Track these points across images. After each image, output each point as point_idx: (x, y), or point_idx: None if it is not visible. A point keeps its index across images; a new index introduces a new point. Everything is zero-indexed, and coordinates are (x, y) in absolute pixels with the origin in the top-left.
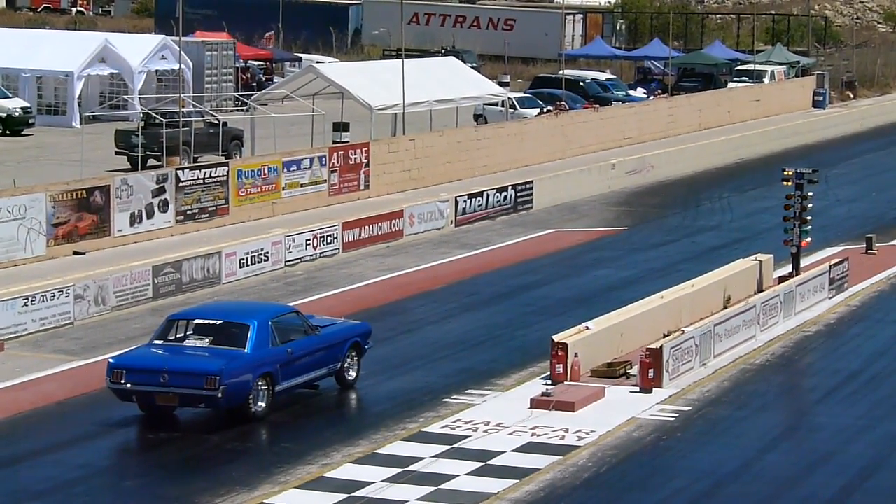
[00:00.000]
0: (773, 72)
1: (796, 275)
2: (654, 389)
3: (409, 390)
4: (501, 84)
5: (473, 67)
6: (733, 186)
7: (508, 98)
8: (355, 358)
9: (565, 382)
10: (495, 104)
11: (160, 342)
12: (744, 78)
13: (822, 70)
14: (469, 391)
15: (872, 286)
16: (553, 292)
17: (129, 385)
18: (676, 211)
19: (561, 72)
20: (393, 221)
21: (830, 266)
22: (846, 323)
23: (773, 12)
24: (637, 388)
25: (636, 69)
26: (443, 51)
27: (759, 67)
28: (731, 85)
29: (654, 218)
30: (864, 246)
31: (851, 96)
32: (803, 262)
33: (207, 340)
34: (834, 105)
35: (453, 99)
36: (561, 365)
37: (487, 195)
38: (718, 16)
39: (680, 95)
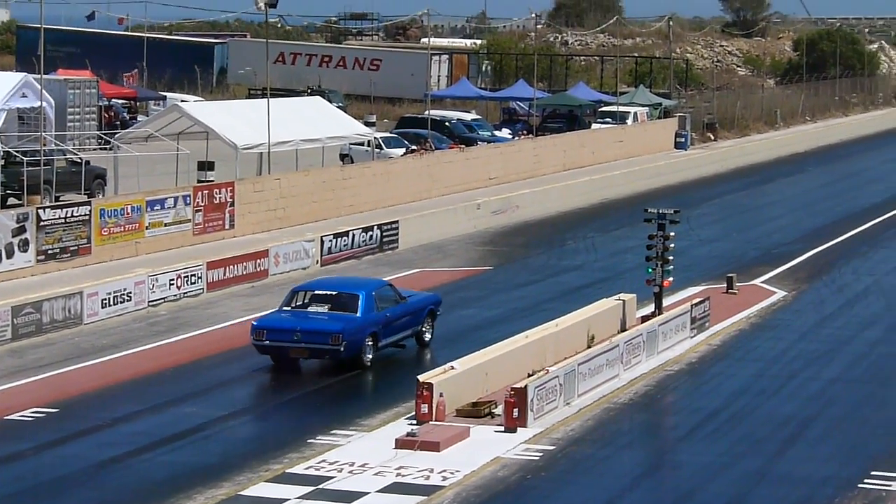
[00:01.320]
0: (635, 113)
1: (659, 314)
2: (518, 429)
3: (274, 430)
4: (367, 124)
5: (339, 107)
6: (597, 226)
7: (374, 138)
8: (431, 323)
9: (430, 422)
10: (361, 144)
11: (288, 308)
12: (607, 119)
13: (684, 112)
14: (334, 432)
15: (733, 325)
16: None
17: (267, 342)
18: (541, 251)
19: (427, 112)
20: (258, 261)
21: (692, 305)
22: (707, 362)
23: (636, 55)
24: (502, 428)
25: (501, 110)
26: (309, 90)
27: (622, 109)
28: (594, 126)
29: (519, 258)
30: (725, 285)
31: (712, 138)
32: (666, 302)
33: (326, 307)
34: (695, 146)
35: (319, 139)
36: (426, 405)
37: (353, 235)
38: (582, 58)
39: (545, 136)
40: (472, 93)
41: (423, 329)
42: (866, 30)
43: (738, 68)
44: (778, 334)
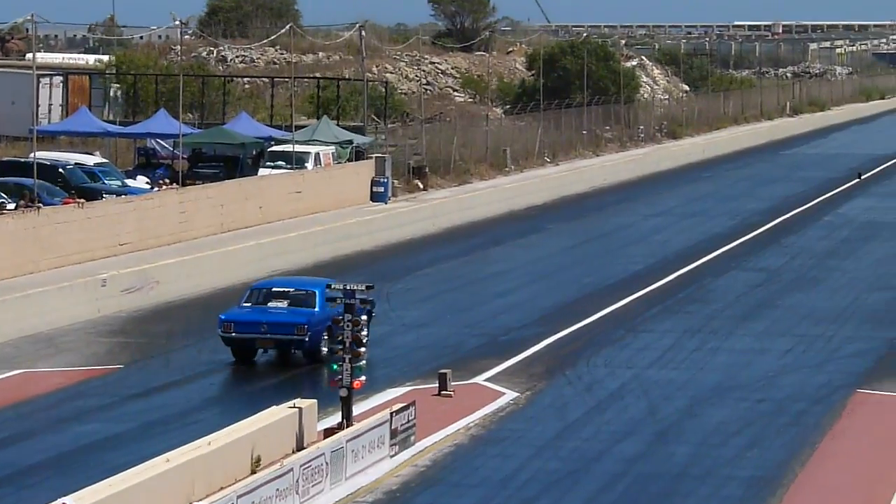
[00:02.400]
0: (318, 154)
1: (348, 426)
2: None
3: None
4: None
5: None
6: None
7: None
8: (366, 320)
9: None
10: None
11: (249, 305)
12: (280, 163)
13: (383, 152)
14: None
15: (447, 439)
16: (21, 456)
17: (234, 334)
18: (190, 342)
19: (33, 154)
20: None
21: (392, 414)
22: (413, 489)
23: (318, 75)
24: None
25: (136, 150)
26: None
27: (300, 149)
28: (262, 172)
29: (161, 352)
30: (437, 385)
31: (421, 186)
32: (356, 410)
33: (286, 302)
34: (399, 198)
35: None
36: None
37: None
38: (246, 80)
39: (195, 186)
40: (95, 127)
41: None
42: (622, 41)
43: (455, 93)
44: (507, 450)
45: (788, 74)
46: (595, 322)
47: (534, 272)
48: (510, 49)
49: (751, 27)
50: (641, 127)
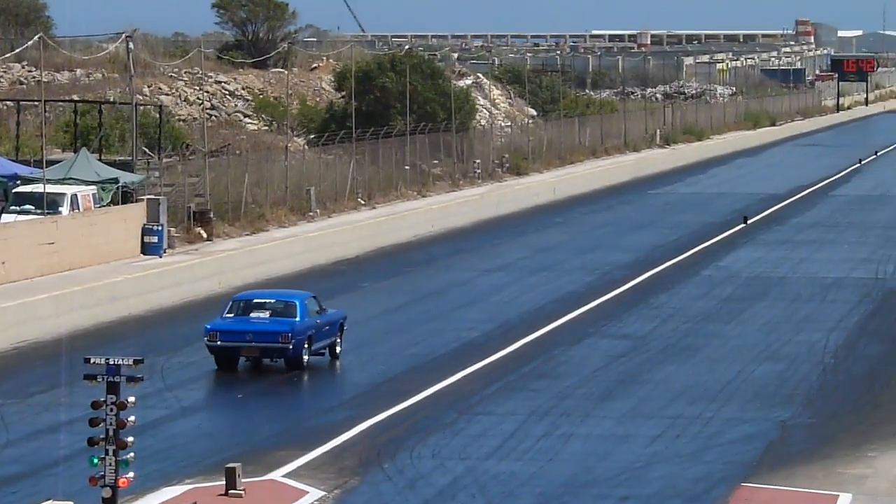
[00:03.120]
0: (75, 196)
1: None
2: None
3: None
4: None
5: None
6: (8, 389)
7: None
8: (340, 336)
9: None
10: None
11: (231, 315)
12: (27, 206)
13: (157, 193)
14: None
15: None
16: None
17: (220, 342)
18: None
19: None
20: None
21: None
22: None
23: (76, 97)
24: None
25: None
26: None
27: (52, 189)
28: (6, 218)
29: None
30: (224, 482)
31: (204, 236)
32: None
33: (268, 313)
34: (178, 250)
35: None
36: None
37: None
38: None
39: None
40: None
41: (337, 340)
42: (455, 55)
43: (247, 119)
44: None
45: (659, 96)
46: (421, 402)
47: (345, 341)
48: (315, 65)
49: (612, 38)
50: (478, 161)
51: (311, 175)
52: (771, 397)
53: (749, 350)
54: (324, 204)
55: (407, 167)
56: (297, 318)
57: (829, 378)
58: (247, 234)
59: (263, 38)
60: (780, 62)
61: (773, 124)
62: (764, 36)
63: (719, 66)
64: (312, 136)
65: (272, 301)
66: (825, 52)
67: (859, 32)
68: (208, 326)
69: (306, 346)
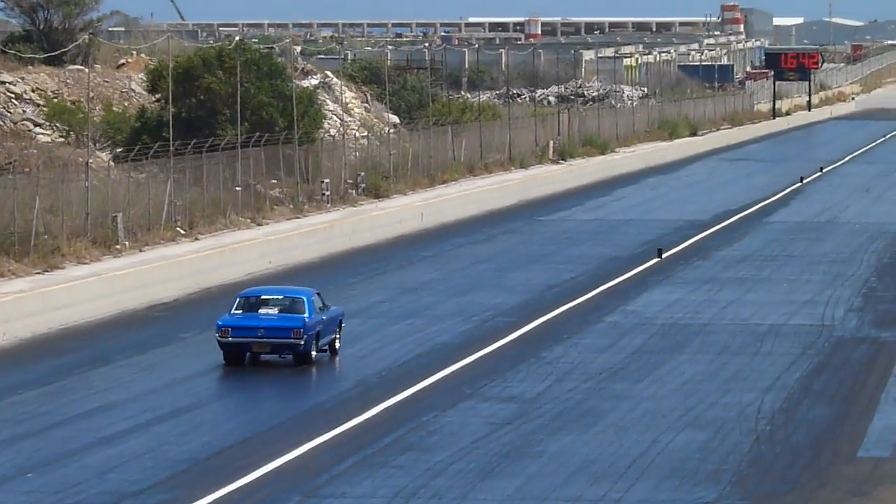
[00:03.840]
0: None
1: None
2: None
3: None
4: None
5: None
6: None
7: None
8: (339, 332)
9: None
10: None
11: (240, 312)
12: None
13: None
14: None
15: None
16: None
17: (231, 338)
18: None
19: None
20: None
21: None
22: None
23: None
24: None
25: None
26: None
27: None
28: None
29: None
30: None
31: None
32: None
33: (276, 309)
34: None
35: None
36: None
37: None
38: None
39: None
40: None
41: (336, 336)
42: (297, 48)
43: (38, 128)
44: None
45: (552, 99)
46: (257, 482)
47: (161, 405)
48: (123, 60)
49: (493, 26)
50: (326, 181)
51: (119, 199)
52: (692, 474)
53: (665, 415)
54: (134, 235)
55: (238, 188)
56: (307, 314)
57: (765, 450)
58: (37, 273)
59: (58, 27)
60: (703, 57)
61: (694, 134)
62: (682, 24)
63: (627, 61)
64: (120, 150)
65: (280, 297)
66: (758, 43)
67: (800, 20)
68: (220, 322)
69: (314, 340)
